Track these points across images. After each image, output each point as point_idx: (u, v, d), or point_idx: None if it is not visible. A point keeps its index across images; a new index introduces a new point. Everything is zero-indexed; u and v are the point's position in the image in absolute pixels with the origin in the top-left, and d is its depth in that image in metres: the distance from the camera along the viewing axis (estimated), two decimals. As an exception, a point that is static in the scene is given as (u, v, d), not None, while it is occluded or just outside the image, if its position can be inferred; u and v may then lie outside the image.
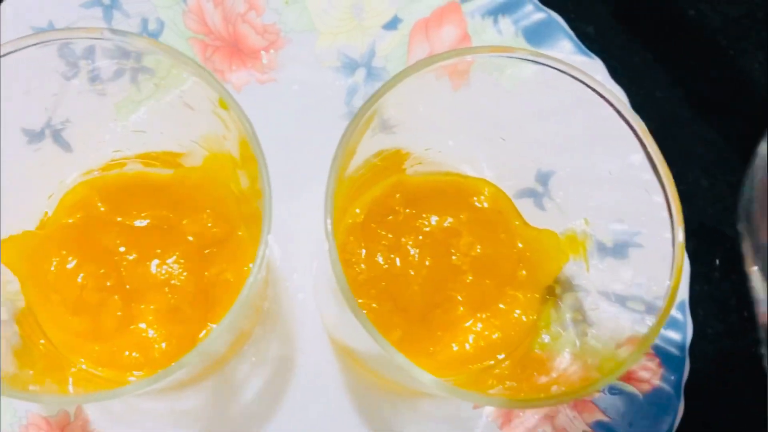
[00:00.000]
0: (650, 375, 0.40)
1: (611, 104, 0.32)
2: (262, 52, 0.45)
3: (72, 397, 0.32)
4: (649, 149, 0.32)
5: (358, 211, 0.38)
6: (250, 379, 0.41)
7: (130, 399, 0.40)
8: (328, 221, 0.30)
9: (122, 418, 0.40)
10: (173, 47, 0.29)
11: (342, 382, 0.42)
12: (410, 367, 0.27)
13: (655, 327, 0.31)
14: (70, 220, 0.38)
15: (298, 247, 0.43)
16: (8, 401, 0.39)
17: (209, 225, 0.38)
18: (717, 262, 0.46)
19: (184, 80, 0.32)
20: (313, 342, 0.42)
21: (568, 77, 0.33)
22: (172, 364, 0.29)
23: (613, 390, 0.40)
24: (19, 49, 0.29)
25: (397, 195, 0.37)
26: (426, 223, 0.38)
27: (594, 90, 0.32)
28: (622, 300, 0.35)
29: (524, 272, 0.38)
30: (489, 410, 0.41)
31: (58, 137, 0.38)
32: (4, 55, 0.29)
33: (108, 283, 0.37)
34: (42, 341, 0.36)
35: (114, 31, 0.29)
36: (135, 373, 0.36)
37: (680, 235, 0.32)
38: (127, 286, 0.37)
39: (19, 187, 0.37)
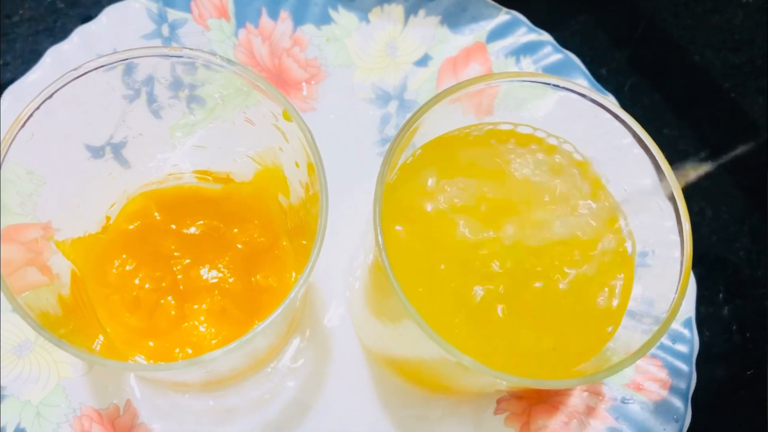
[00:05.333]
0: (660, 386, 0.43)
1: (632, 131, 0.35)
2: (304, 84, 0.49)
3: (129, 364, 0.35)
4: (666, 173, 0.35)
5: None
6: (286, 383, 0.44)
7: (176, 396, 0.43)
8: (379, 235, 0.32)
9: (167, 414, 0.42)
10: (245, 66, 0.33)
11: (372, 387, 0.44)
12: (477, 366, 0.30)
13: (661, 328, 0.33)
14: (130, 227, 0.41)
15: (334, 262, 0.46)
16: (64, 393, 0.41)
17: (256, 235, 0.41)
18: (721, 287, 0.49)
19: (246, 96, 0.36)
20: (346, 349, 0.45)
21: (588, 106, 0.36)
22: (216, 350, 0.31)
23: (625, 399, 0.43)
24: (112, 63, 0.32)
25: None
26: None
27: (615, 115, 0.35)
28: (632, 314, 0.38)
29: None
30: (509, 415, 0.44)
31: (117, 154, 0.42)
32: (95, 69, 0.33)
33: (163, 285, 0.40)
34: (101, 336, 0.39)
35: (192, 50, 0.33)
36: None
37: (688, 250, 0.34)
38: (181, 287, 0.40)
39: (84, 195, 0.40)
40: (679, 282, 0.34)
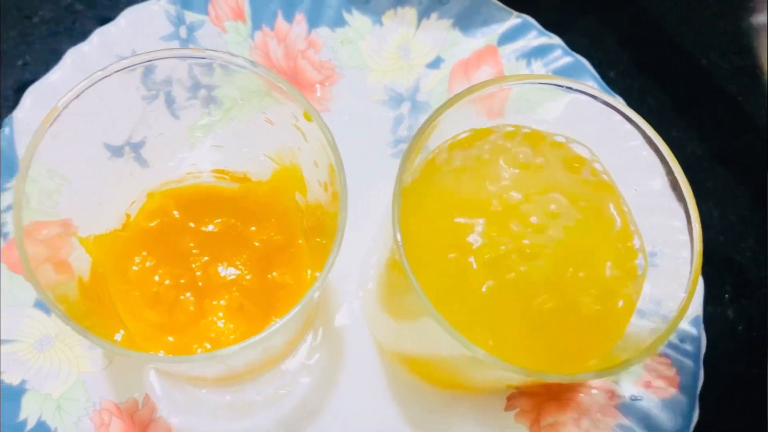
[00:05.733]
0: (668, 383, 0.44)
1: (642, 132, 0.36)
2: (318, 86, 0.50)
3: (151, 356, 0.35)
4: (676, 174, 0.36)
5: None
6: (301, 379, 0.45)
7: (194, 390, 0.43)
8: (398, 234, 0.33)
9: (185, 408, 0.43)
10: (267, 67, 0.34)
11: (384, 383, 0.45)
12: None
13: (670, 326, 0.34)
14: (150, 225, 0.42)
15: (346, 262, 0.47)
16: (84, 387, 0.42)
17: (272, 233, 0.42)
18: (727, 287, 0.50)
19: (265, 97, 0.36)
20: (359, 346, 0.46)
21: (598, 108, 0.37)
22: (235, 344, 0.32)
23: (634, 397, 0.44)
24: (135, 65, 0.33)
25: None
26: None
27: (625, 117, 0.36)
28: (641, 313, 0.38)
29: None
30: (520, 412, 0.44)
31: (137, 153, 0.42)
32: (125, 68, 0.34)
33: (182, 281, 0.41)
34: (122, 331, 0.40)
35: (214, 51, 0.34)
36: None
37: (698, 250, 0.35)
38: (199, 284, 0.41)
39: (105, 193, 0.41)
40: (688, 281, 0.35)
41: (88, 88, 0.33)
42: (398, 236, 0.33)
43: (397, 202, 0.34)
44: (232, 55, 0.34)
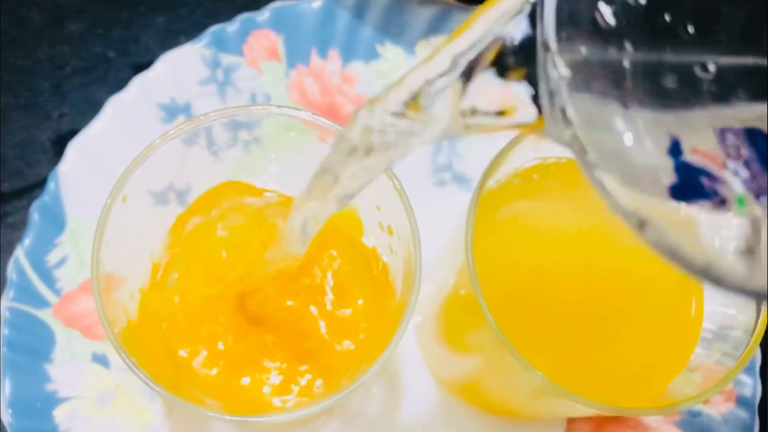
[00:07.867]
0: (726, 398, 0.45)
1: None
2: (354, 119, 0.50)
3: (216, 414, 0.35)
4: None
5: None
6: (362, 414, 0.45)
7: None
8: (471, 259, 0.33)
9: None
10: (335, 124, 0.34)
11: (442, 414, 0.45)
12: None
13: (747, 351, 0.34)
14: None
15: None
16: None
17: (324, 268, 0.42)
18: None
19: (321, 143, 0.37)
20: (415, 378, 0.46)
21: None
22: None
23: (693, 413, 0.44)
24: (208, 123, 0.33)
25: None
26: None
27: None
28: (706, 338, 0.38)
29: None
30: (582, 436, 0.45)
31: (182, 199, 0.42)
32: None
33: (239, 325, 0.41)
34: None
35: (280, 106, 0.34)
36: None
37: None
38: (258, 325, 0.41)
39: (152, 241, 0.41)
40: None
41: (154, 151, 0.33)
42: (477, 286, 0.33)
43: (469, 235, 0.34)
44: (294, 108, 0.34)
